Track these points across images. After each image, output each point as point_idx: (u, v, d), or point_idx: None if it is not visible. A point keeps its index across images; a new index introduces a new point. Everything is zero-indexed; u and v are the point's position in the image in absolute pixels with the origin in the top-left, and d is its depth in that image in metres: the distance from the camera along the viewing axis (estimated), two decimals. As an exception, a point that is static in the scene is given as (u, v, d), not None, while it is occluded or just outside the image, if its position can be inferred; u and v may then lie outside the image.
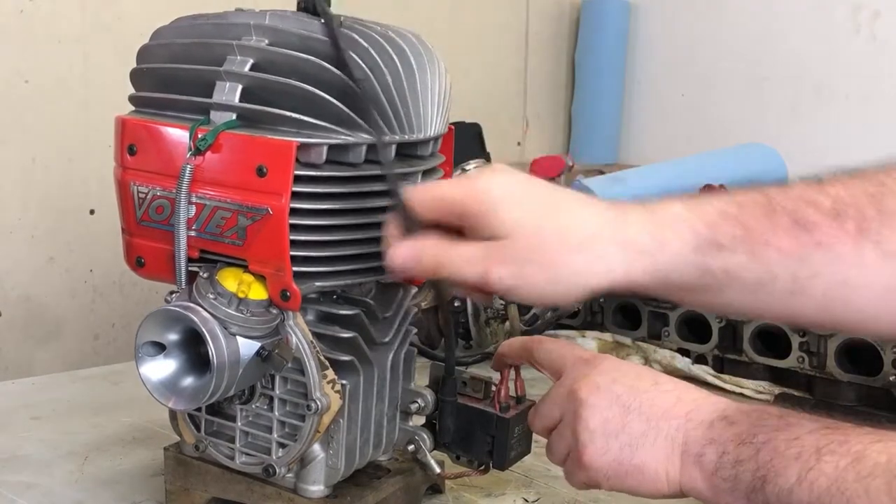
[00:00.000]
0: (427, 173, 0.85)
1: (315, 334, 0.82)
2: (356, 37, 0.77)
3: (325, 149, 0.77)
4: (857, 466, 0.58)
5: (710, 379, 1.40)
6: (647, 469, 0.70)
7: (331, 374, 0.82)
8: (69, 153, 1.81)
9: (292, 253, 0.77)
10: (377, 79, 0.77)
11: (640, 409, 0.72)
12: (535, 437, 0.91)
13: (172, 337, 0.79)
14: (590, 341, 1.53)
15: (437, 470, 0.92)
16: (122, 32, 1.82)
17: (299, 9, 0.81)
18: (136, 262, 0.84)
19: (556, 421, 0.78)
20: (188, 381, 0.79)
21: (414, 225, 0.74)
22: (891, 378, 1.29)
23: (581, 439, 0.73)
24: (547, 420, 0.79)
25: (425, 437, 0.90)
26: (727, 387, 1.38)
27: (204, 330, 0.76)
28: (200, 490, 0.90)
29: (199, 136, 0.77)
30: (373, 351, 0.87)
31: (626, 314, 1.61)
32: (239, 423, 0.86)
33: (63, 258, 1.83)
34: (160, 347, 0.79)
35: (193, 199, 0.78)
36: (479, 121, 2.39)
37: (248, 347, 0.78)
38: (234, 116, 0.78)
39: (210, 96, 0.79)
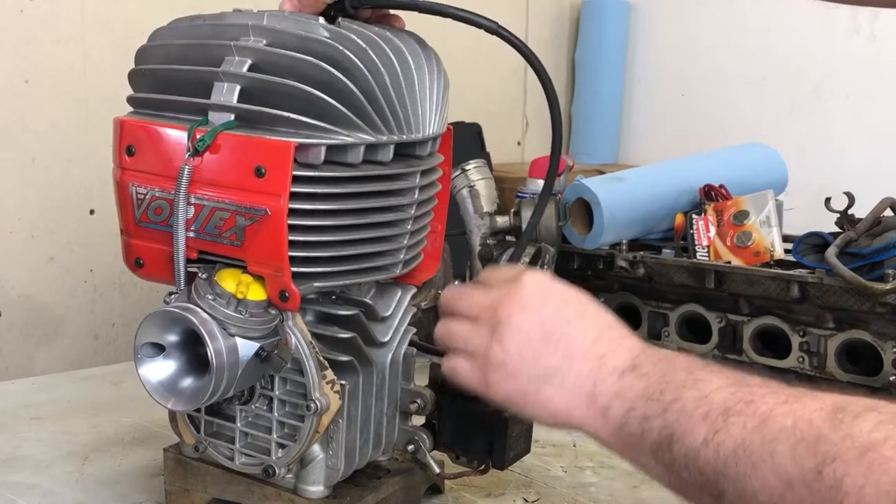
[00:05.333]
0: (425, 173, 0.85)
1: (314, 335, 0.82)
2: (354, 37, 0.77)
3: (323, 149, 0.77)
4: (763, 430, 0.58)
5: (710, 379, 1.40)
6: (549, 405, 0.71)
7: (330, 374, 0.82)
8: (69, 153, 1.81)
9: (291, 253, 0.77)
10: (375, 79, 0.77)
11: (558, 343, 0.72)
12: (534, 437, 0.92)
13: (171, 338, 0.79)
14: (589, 341, 1.52)
15: (437, 470, 0.92)
16: (122, 32, 1.83)
17: None
18: (135, 263, 0.84)
19: (468, 317, 0.76)
20: (187, 381, 0.79)
21: None
22: (891, 378, 1.29)
23: (494, 358, 0.73)
24: (462, 313, 0.77)
25: (425, 436, 0.90)
26: (727, 387, 1.38)
27: (203, 331, 0.76)
28: (200, 491, 0.90)
29: (198, 136, 0.77)
30: (372, 351, 0.87)
31: (626, 314, 1.60)
32: (238, 424, 0.86)
33: (63, 258, 1.83)
34: (159, 348, 0.79)
35: (192, 200, 0.78)
36: (479, 121, 2.40)
37: (247, 348, 0.78)
38: (232, 117, 0.78)
39: (208, 97, 0.79)
